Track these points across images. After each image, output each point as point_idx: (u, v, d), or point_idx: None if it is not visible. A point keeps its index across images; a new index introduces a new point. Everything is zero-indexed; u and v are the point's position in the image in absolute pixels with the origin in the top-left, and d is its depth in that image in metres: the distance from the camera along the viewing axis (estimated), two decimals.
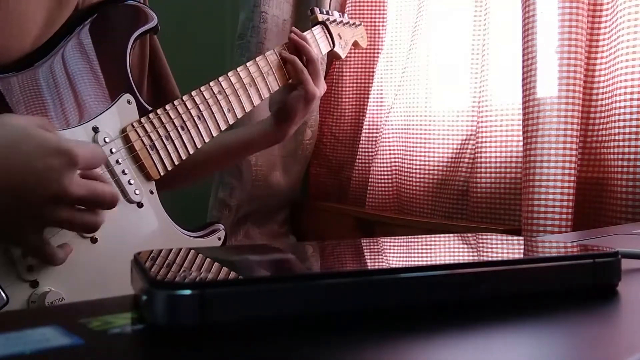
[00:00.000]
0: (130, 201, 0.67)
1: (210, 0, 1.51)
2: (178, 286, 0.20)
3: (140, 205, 0.68)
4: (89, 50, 0.68)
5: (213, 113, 0.76)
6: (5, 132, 0.50)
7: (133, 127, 0.68)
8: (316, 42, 0.93)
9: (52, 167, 0.49)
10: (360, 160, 1.24)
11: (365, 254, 0.31)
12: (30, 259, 0.56)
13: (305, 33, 0.91)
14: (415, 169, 1.08)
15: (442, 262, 0.27)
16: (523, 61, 0.82)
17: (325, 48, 0.96)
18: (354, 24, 1.06)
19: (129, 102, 0.69)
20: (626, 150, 0.74)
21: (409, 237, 0.34)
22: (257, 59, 0.83)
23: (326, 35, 0.96)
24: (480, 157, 0.95)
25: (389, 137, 1.15)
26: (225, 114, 0.77)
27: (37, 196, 0.50)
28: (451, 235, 0.35)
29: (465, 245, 0.33)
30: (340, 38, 1.00)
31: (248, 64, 0.81)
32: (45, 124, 0.53)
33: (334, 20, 0.99)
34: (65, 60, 0.65)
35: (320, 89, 0.89)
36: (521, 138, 0.83)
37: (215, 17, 1.50)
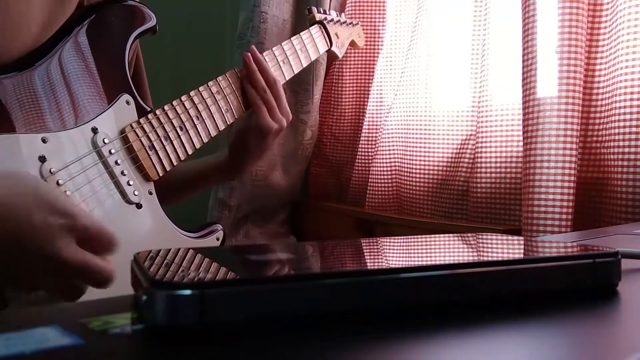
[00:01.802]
0: (129, 202, 0.67)
1: (210, 0, 1.51)
2: (178, 286, 0.20)
3: (139, 206, 0.68)
4: (86, 51, 0.68)
5: (212, 113, 0.76)
6: (17, 180, 0.49)
7: (132, 127, 0.68)
8: (314, 41, 0.93)
9: (51, 226, 0.47)
10: (360, 160, 1.24)
11: (365, 254, 0.31)
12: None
13: (302, 32, 0.91)
14: (415, 169, 1.08)
15: (442, 262, 0.27)
16: (523, 61, 0.82)
17: (322, 47, 0.96)
18: (351, 23, 1.06)
19: (127, 102, 0.69)
20: (626, 150, 0.74)
21: (409, 237, 0.34)
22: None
23: (323, 35, 0.96)
24: (481, 157, 0.95)
25: (388, 137, 1.15)
26: (223, 114, 0.77)
27: (26, 251, 0.47)
28: (451, 235, 0.35)
29: (465, 245, 0.33)
30: (338, 37, 1.00)
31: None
32: (56, 193, 0.50)
33: (332, 20, 0.99)
34: (62, 61, 0.65)
35: (281, 120, 0.79)
36: (521, 138, 0.83)
37: (215, 17, 1.50)
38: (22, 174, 0.50)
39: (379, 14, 1.23)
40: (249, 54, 0.80)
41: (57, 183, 0.60)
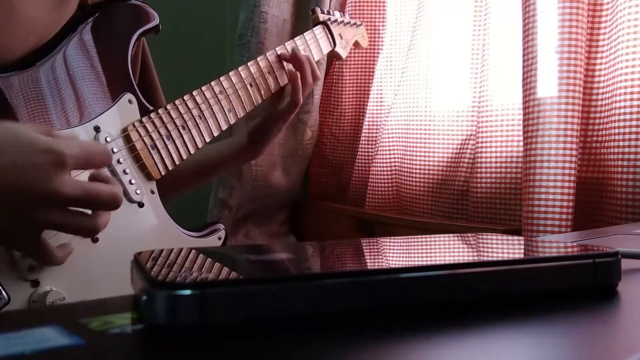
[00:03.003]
0: (131, 201, 0.67)
1: (210, 0, 1.51)
2: (178, 286, 0.20)
3: (141, 205, 0.68)
4: (91, 49, 0.68)
5: (214, 113, 0.76)
6: None
7: (134, 126, 0.68)
8: (317, 42, 0.93)
9: (38, 166, 0.46)
10: (360, 160, 1.24)
11: (365, 254, 0.31)
12: (31, 259, 0.56)
13: (306, 33, 0.91)
14: (415, 169, 1.08)
15: (442, 262, 0.27)
16: (523, 61, 0.82)
17: (326, 48, 0.96)
18: (354, 23, 1.06)
19: (130, 101, 0.69)
20: (626, 150, 0.74)
21: (409, 237, 0.34)
22: (259, 58, 0.83)
23: (327, 35, 0.96)
24: (481, 157, 0.95)
25: (389, 137, 1.15)
26: (226, 114, 0.77)
27: (24, 197, 0.47)
28: (451, 235, 0.35)
29: (465, 245, 0.33)
30: (342, 38, 1.00)
31: (249, 63, 0.81)
32: (40, 128, 0.50)
33: (335, 20, 0.99)
34: (67, 59, 0.65)
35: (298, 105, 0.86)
36: (521, 138, 0.83)
37: (215, 17, 1.50)
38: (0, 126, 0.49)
39: (379, 14, 1.23)
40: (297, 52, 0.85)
41: None
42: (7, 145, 0.47)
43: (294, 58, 0.84)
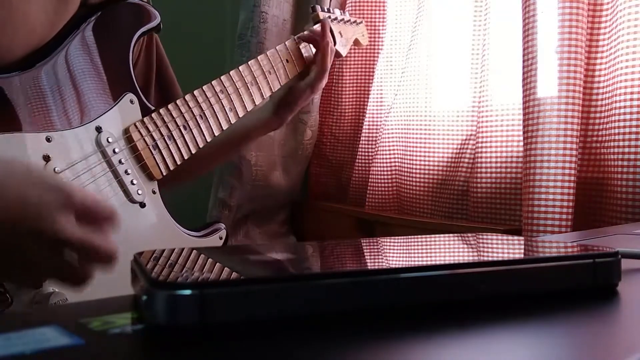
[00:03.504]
0: (132, 201, 0.67)
1: (210, 0, 1.51)
2: (178, 286, 0.20)
3: (142, 205, 0.68)
4: (93, 49, 0.68)
5: (215, 112, 0.76)
6: (5, 163, 0.48)
7: (136, 127, 0.68)
8: (309, 45, 0.93)
9: (45, 203, 0.46)
10: (360, 160, 1.24)
11: (365, 254, 0.31)
12: None
13: (306, 31, 0.91)
14: (415, 169, 1.08)
15: (442, 262, 0.27)
16: (523, 61, 0.82)
17: None
18: (355, 21, 1.06)
19: (131, 101, 0.69)
20: (626, 150, 0.74)
21: (409, 237, 0.34)
22: (260, 57, 0.83)
23: None
24: (481, 157, 0.95)
25: (389, 137, 1.15)
26: (227, 113, 0.77)
27: (27, 231, 0.46)
28: (451, 235, 0.35)
29: (465, 245, 0.33)
30: (342, 36, 1.00)
31: (250, 62, 0.81)
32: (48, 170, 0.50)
33: (335, 18, 0.99)
34: (68, 59, 0.65)
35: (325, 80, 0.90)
36: (521, 138, 0.83)
37: (215, 17, 1.50)
38: (8, 157, 0.49)
39: (379, 13, 1.23)
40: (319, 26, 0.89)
41: None
42: (16, 178, 0.47)
43: (324, 27, 0.88)
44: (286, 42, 0.86)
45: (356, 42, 1.08)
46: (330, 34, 0.89)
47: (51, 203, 0.46)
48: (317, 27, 0.89)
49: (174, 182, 0.76)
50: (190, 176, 0.89)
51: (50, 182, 0.47)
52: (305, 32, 0.89)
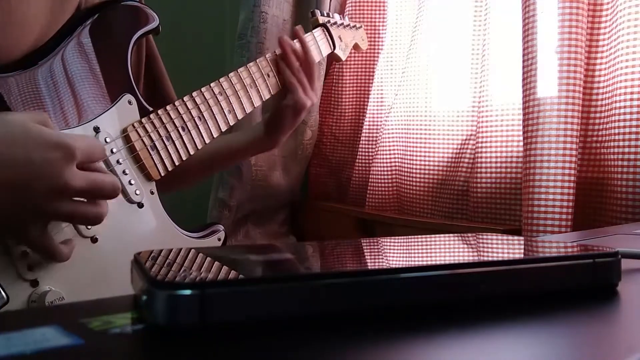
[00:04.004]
0: (130, 201, 0.67)
1: (210, 0, 1.51)
2: (178, 286, 0.20)
3: (140, 205, 0.68)
4: (89, 51, 0.68)
5: (214, 114, 0.76)
6: (2, 127, 0.50)
7: (134, 127, 0.68)
8: (317, 44, 0.93)
9: (51, 161, 0.49)
10: (360, 160, 1.24)
11: (365, 254, 0.31)
12: (31, 258, 0.56)
13: (306, 35, 0.91)
14: (416, 169, 1.08)
15: (442, 262, 0.27)
16: (523, 61, 0.82)
17: (325, 50, 0.96)
18: (354, 26, 1.06)
19: (129, 102, 0.69)
20: (626, 150, 0.74)
21: (409, 237, 0.34)
22: (258, 59, 0.83)
23: (327, 38, 0.96)
24: (481, 157, 0.95)
25: (389, 137, 1.15)
26: (226, 115, 0.77)
27: (37, 190, 0.49)
28: (451, 235, 0.35)
29: (465, 245, 0.33)
30: (341, 40, 1.00)
31: (249, 64, 0.81)
32: (43, 120, 0.53)
33: (335, 23, 0.99)
34: (65, 61, 0.65)
35: (312, 97, 0.86)
36: (521, 138, 0.83)
37: (215, 17, 1.50)
38: (9, 119, 0.51)
39: (379, 14, 1.23)
40: (285, 37, 0.86)
41: None
42: (19, 140, 0.49)
43: (281, 45, 0.84)
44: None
45: (356, 47, 1.08)
46: (291, 51, 0.84)
47: (57, 159, 0.50)
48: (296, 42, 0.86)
49: (167, 188, 0.76)
50: (182, 184, 0.89)
51: (52, 140, 0.50)
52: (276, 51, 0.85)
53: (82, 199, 0.54)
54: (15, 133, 0.49)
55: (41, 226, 0.53)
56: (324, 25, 0.96)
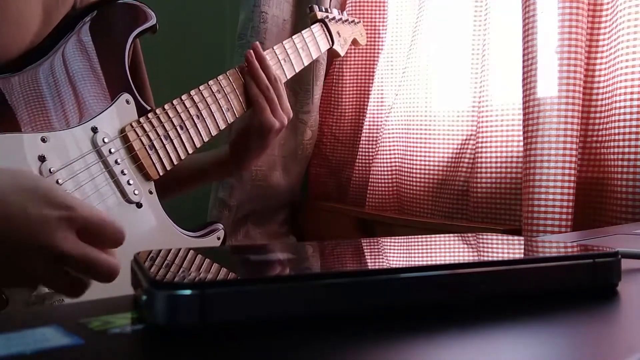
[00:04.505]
0: (129, 201, 0.67)
1: (210, 0, 1.51)
2: (178, 286, 0.20)
3: (139, 205, 0.68)
4: (89, 48, 0.68)
5: (212, 112, 0.76)
6: (12, 179, 0.48)
7: (132, 127, 0.68)
8: (315, 40, 0.93)
9: (47, 218, 0.45)
10: (360, 160, 1.24)
11: (366, 254, 0.31)
12: None
13: (304, 31, 0.91)
14: (416, 169, 1.08)
15: (442, 262, 0.27)
16: (523, 61, 0.82)
17: (324, 46, 0.96)
18: (352, 21, 1.06)
19: (127, 101, 0.69)
20: (626, 150, 0.74)
21: (409, 237, 0.34)
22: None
23: (325, 33, 0.96)
24: (481, 157, 0.95)
25: (389, 137, 1.15)
26: (224, 113, 0.77)
27: (25, 246, 0.46)
28: (451, 235, 0.35)
29: (466, 245, 0.33)
30: (339, 36, 1.00)
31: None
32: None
33: (333, 18, 0.99)
34: (65, 58, 0.65)
35: (280, 118, 0.80)
36: (521, 138, 0.83)
37: (215, 17, 1.50)
38: (18, 170, 0.49)
39: (380, 13, 1.23)
40: (251, 50, 0.80)
41: (57, 182, 0.60)
42: (23, 192, 0.46)
43: (247, 60, 0.78)
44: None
45: (354, 42, 1.08)
46: (254, 64, 0.79)
47: (53, 218, 0.46)
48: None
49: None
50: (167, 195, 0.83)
51: (55, 197, 0.47)
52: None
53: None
54: (24, 185, 0.47)
55: (20, 281, 0.50)
56: (322, 21, 0.96)
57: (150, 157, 0.69)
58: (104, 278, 0.48)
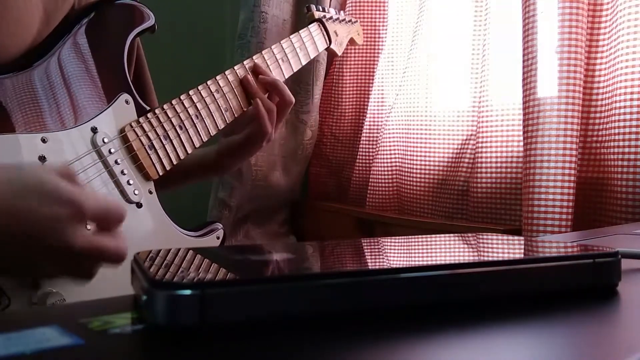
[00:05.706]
0: (129, 201, 0.67)
1: (210, 0, 1.51)
2: (178, 286, 0.20)
3: (139, 205, 0.68)
4: (86, 51, 0.68)
5: (211, 112, 0.76)
6: (19, 175, 0.48)
7: (131, 126, 0.68)
8: (312, 39, 0.93)
9: (57, 217, 0.46)
10: (360, 160, 1.24)
11: (366, 254, 0.31)
12: None
13: (301, 31, 0.91)
14: (416, 169, 1.08)
15: (443, 262, 0.27)
16: (523, 61, 0.82)
17: (322, 45, 0.96)
18: (350, 20, 1.06)
19: (127, 102, 0.69)
20: (626, 150, 0.74)
21: (409, 237, 0.34)
22: (254, 57, 0.83)
23: (323, 33, 0.96)
24: (481, 157, 0.95)
25: (389, 137, 1.15)
26: (223, 113, 0.77)
27: (36, 244, 0.46)
28: (451, 235, 0.35)
29: (466, 245, 0.33)
30: (337, 35, 1.00)
31: (245, 62, 0.81)
32: (69, 174, 0.49)
33: (330, 18, 0.99)
34: (63, 60, 0.65)
35: (273, 133, 0.81)
36: (521, 138, 0.83)
37: (215, 17, 1.50)
38: (23, 165, 0.49)
39: (380, 13, 1.23)
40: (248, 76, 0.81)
41: None
42: (30, 191, 0.47)
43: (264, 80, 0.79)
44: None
45: (352, 42, 1.08)
46: (251, 80, 0.80)
47: (64, 216, 0.46)
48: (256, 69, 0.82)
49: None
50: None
51: (63, 195, 0.47)
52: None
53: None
54: (29, 184, 0.47)
55: (33, 274, 0.51)
56: (319, 20, 0.96)
57: (150, 157, 0.69)
58: (115, 261, 0.50)
